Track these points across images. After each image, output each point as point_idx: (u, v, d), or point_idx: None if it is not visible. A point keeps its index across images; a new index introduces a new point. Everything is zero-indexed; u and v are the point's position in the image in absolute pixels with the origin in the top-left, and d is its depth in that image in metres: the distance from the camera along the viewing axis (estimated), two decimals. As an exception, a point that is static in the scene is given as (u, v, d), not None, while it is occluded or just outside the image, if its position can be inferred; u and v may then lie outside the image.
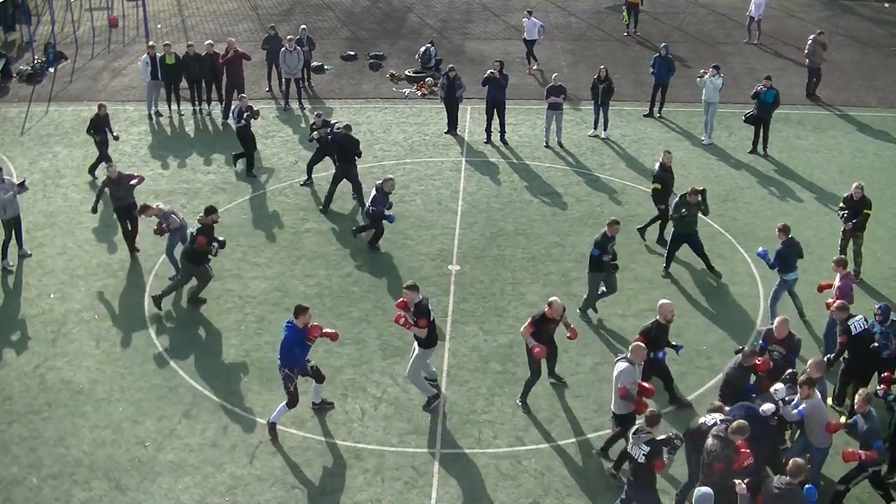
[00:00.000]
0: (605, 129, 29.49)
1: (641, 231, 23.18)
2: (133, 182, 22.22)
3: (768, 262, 19.35)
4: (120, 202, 22.03)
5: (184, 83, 30.78)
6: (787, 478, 12.98)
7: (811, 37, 32.61)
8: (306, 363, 16.58)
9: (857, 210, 21.23)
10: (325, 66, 35.59)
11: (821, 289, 18.74)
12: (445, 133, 29.37)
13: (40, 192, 25.63)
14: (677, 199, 21.48)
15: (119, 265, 21.92)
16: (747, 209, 24.76)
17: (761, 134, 28.26)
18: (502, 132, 28.88)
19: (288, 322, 16.26)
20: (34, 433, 16.68)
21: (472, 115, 30.41)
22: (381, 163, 26.99)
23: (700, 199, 21.12)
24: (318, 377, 16.99)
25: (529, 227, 23.85)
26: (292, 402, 16.44)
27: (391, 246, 22.80)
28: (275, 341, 19.07)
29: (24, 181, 22.91)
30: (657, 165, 23.06)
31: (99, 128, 26.10)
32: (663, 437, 13.83)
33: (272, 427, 16.60)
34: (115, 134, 26.94)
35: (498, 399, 17.69)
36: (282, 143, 28.79)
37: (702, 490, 12.89)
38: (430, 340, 16.94)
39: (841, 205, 21.78)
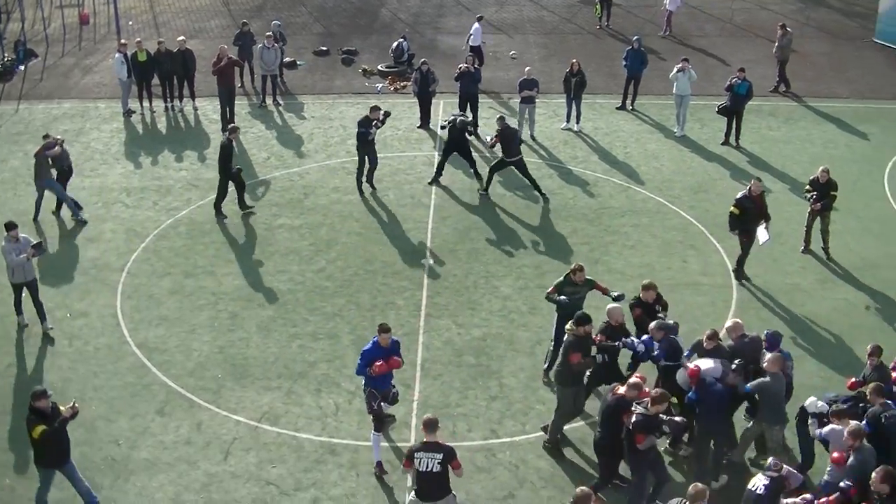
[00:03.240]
0: (577, 122, 29.54)
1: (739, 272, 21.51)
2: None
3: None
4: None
5: (155, 80, 30.60)
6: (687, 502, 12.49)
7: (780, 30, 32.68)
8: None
9: (824, 192, 21.56)
10: (298, 62, 35.50)
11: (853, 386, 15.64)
12: (418, 127, 29.36)
13: (10, 190, 25.46)
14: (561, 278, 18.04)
15: (90, 263, 21.80)
16: (720, 200, 24.82)
17: (734, 125, 28.38)
18: (475, 126, 28.91)
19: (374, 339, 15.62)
20: (7, 434, 16.58)
21: (445, 110, 30.38)
22: (353, 158, 26.92)
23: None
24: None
25: (503, 220, 23.85)
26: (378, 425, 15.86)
27: (364, 240, 22.78)
28: (248, 337, 19.14)
29: (40, 242, 19.89)
30: (743, 193, 21.06)
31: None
32: (662, 417, 14.01)
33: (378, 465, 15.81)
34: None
35: (472, 392, 17.69)
36: (255, 139, 28.69)
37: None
38: None
39: (808, 187, 22.03)
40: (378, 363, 15.16)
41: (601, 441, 14.58)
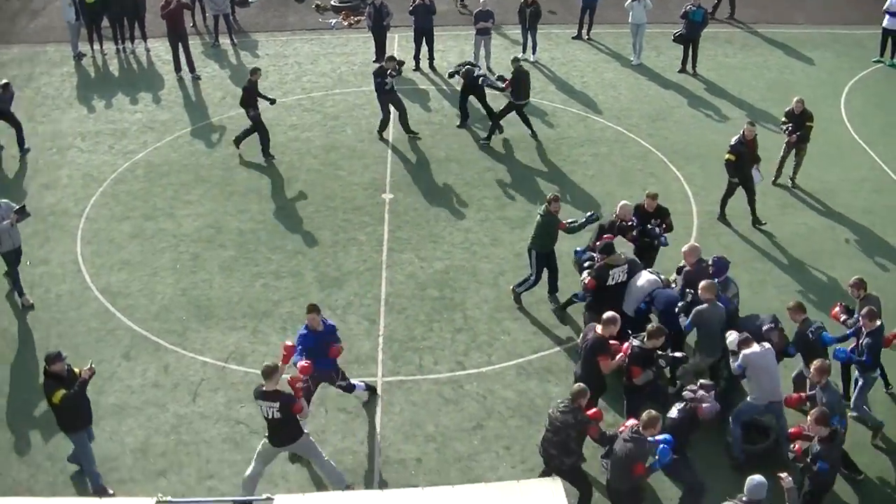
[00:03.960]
0: (533, 53, 29.42)
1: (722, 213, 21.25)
2: None
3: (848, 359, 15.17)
4: None
5: (105, 22, 30.11)
6: (640, 427, 12.52)
7: None
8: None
9: (800, 123, 21.56)
10: (250, 0, 35.02)
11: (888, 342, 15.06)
12: (374, 62, 29.08)
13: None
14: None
15: (48, 209, 21.54)
16: (678, 128, 24.94)
17: (690, 53, 28.38)
18: (431, 59, 28.72)
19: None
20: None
21: (400, 44, 30.15)
22: (309, 94, 26.72)
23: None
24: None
25: (461, 153, 23.82)
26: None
27: (324, 177, 22.69)
28: (211, 278, 19.07)
29: (23, 206, 18.51)
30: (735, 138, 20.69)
31: None
32: (658, 352, 14.32)
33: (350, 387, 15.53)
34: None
35: (437, 325, 17.78)
36: (209, 79, 28.34)
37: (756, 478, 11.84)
38: None
39: (783, 119, 22.03)
40: (303, 363, 14.10)
41: (580, 379, 14.59)
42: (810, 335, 14.62)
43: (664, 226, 17.83)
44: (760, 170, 20.77)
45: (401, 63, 24.94)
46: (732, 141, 20.55)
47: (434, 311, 18.21)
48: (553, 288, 18.24)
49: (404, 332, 17.63)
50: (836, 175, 22.70)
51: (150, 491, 13.66)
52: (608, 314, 14.56)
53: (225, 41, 31.00)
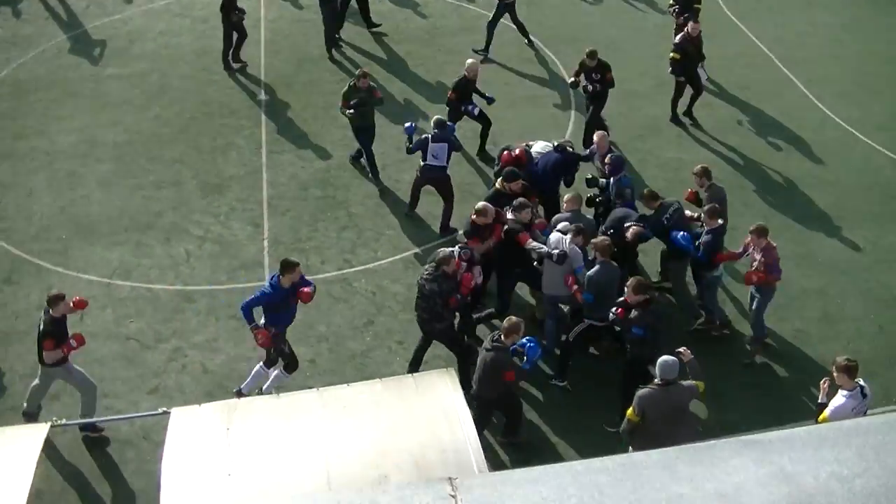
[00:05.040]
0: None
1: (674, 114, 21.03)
2: None
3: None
4: None
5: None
6: (501, 335, 12.78)
7: None
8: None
9: (686, 4, 21.65)
10: None
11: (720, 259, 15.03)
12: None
13: None
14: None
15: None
16: (554, 12, 25.08)
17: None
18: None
19: (272, 278, 13.75)
20: None
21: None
22: (181, 1, 26.10)
23: None
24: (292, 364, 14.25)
25: (335, 49, 23.57)
26: (293, 365, 14.22)
27: (197, 83, 22.31)
28: (89, 194, 18.74)
29: None
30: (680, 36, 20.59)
31: None
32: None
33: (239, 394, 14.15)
34: None
35: (322, 225, 17.83)
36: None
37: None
38: None
39: (671, 2, 22.11)
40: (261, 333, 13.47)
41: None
42: (665, 221, 14.89)
43: (607, 80, 18.81)
44: (705, 67, 20.61)
45: None
46: (677, 39, 20.35)
47: (318, 210, 18.23)
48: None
49: (289, 234, 17.64)
50: (710, 52, 22.81)
51: (44, 415, 13.61)
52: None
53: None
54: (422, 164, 17.25)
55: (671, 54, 20.23)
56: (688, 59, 20.11)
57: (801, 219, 18.01)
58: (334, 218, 18.00)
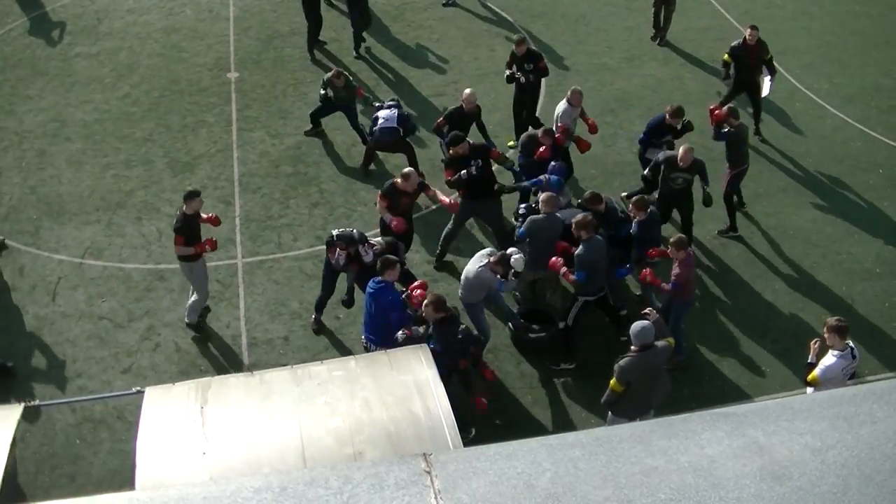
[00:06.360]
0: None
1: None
2: None
3: None
4: None
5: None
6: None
7: None
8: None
9: None
10: None
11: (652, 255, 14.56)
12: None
13: None
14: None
15: None
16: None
17: None
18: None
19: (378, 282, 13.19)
20: None
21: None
22: (144, -25, 25.94)
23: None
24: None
25: (303, 25, 23.34)
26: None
27: (167, 61, 22.17)
28: (59, 173, 18.62)
29: None
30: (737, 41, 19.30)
31: None
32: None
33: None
34: None
35: (293, 202, 17.80)
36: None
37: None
38: None
39: None
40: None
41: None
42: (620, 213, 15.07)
43: (540, 69, 18.44)
44: (773, 82, 19.20)
45: None
46: (733, 43, 19.21)
47: (289, 187, 18.20)
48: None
49: (261, 212, 17.60)
50: (680, 25, 22.98)
51: (18, 396, 13.55)
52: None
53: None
54: (374, 129, 17.64)
55: (724, 56, 19.31)
56: (741, 67, 18.97)
57: (772, 191, 18.14)
58: (306, 195, 17.97)
